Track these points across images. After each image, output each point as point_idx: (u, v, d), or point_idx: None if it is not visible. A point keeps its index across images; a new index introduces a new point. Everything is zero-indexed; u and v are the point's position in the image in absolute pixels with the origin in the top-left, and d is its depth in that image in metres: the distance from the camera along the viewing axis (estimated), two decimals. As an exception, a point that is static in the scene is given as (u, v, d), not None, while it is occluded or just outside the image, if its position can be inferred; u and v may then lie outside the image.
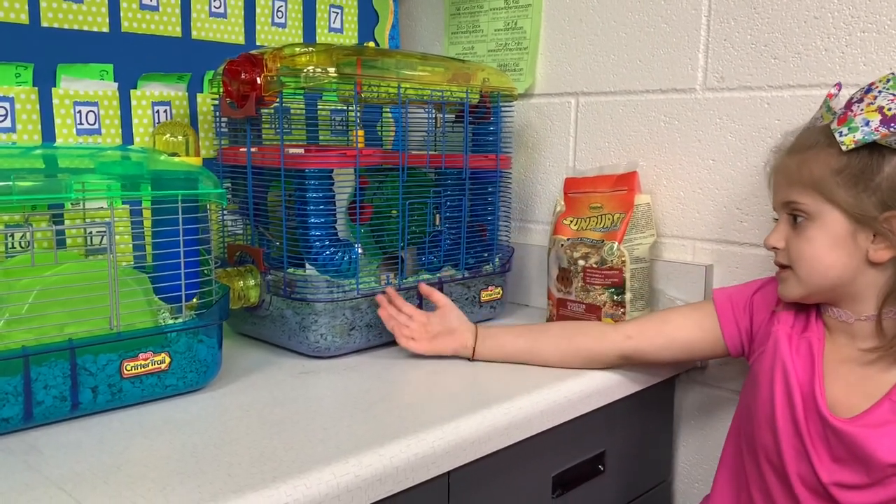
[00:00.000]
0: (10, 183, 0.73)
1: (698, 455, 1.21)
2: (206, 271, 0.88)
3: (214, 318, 0.88)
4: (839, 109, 0.82)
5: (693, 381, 1.20)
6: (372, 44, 1.48)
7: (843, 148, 0.79)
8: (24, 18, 1.04)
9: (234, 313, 1.08)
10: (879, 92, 0.80)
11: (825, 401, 0.83)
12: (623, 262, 1.12)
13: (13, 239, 1.01)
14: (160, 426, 0.79)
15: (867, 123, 0.78)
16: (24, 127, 1.05)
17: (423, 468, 0.76)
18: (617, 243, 1.12)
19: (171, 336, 0.84)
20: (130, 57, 1.14)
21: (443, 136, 1.17)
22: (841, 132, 0.80)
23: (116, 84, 1.13)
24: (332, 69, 0.99)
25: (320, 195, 1.01)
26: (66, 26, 1.08)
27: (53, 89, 1.07)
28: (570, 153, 1.33)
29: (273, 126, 1.08)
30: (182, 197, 0.85)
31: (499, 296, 1.25)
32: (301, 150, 1.03)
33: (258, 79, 1.01)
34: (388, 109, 1.34)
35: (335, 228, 1.04)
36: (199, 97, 1.23)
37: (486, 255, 1.22)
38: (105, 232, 0.81)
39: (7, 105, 1.04)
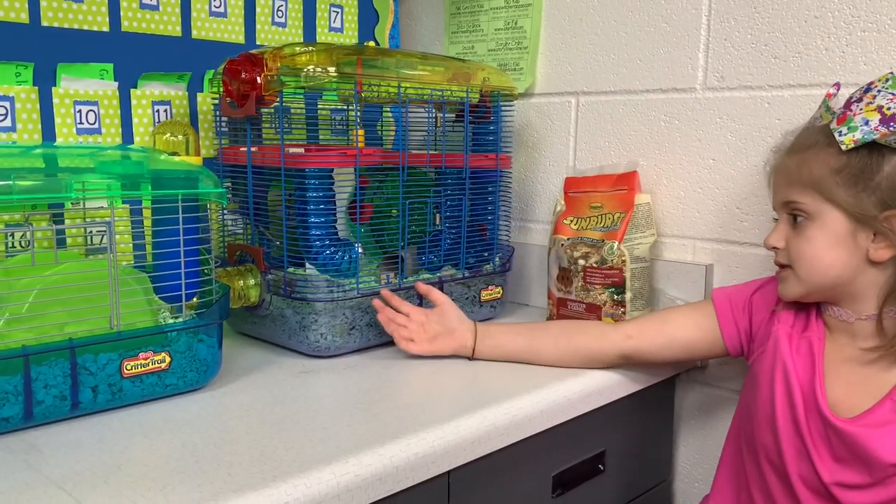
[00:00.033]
0: (11, 182, 0.73)
1: (698, 455, 1.21)
2: (206, 271, 0.88)
3: (214, 317, 0.88)
4: (838, 109, 0.82)
5: (693, 380, 1.20)
6: (372, 43, 1.48)
7: (843, 147, 0.79)
8: (24, 18, 1.04)
9: (234, 313, 1.08)
10: (878, 91, 0.80)
11: (826, 400, 0.83)
12: (623, 261, 1.12)
13: (13, 238, 1.01)
14: (160, 425, 0.79)
15: (866, 123, 0.78)
16: (24, 126, 1.05)
17: (423, 468, 0.76)
18: (617, 243, 1.12)
19: (171, 335, 0.84)
20: (130, 56, 1.14)
21: (443, 135, 1.16)
22: (840, 132, 0.80)
23: (116, 83, 1.13)
24: (332, 69, 0.99)
25: (320, 195, 1.01)
26: (66, 26, 1.08)
27: (53, 89, 1.08)
28: (570, 153, 1.33)
29: (273, 125, 1.08)
30: (182, 196, 0.85)
31: (499, 295, 1.25)
32: (301, 150, 1.03)
33: (258, 78, 1.01)
34: (388, 109, 1.33)
35: (335, 228, 1.04)
36: (200, 96, 1.23)
37: (486, 254, 1.22)
38: (105, 231, 0.81)
39: (7, 104, 1.04)
